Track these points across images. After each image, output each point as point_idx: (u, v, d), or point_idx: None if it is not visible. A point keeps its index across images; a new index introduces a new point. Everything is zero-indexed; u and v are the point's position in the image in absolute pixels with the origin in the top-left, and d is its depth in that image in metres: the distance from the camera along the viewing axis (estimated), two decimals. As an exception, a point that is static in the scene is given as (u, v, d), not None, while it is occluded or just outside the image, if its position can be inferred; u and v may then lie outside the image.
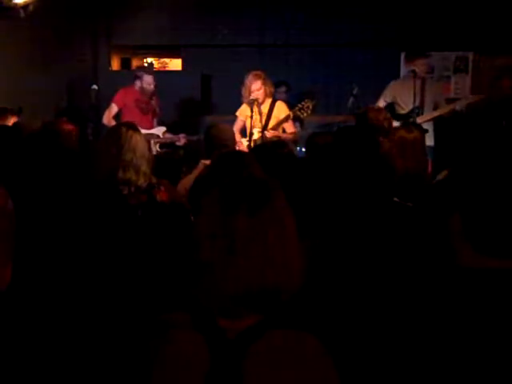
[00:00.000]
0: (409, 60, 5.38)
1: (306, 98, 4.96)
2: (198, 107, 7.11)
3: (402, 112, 5.23)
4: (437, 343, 1.19)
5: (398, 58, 6.81)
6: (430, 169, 2.91)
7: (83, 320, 1.96)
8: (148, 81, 5.47)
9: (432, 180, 2.87)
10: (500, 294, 1.18)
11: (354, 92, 5.47)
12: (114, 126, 3.11)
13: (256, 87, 4.87)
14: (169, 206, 2.60)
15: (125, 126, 2.75)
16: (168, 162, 5.31)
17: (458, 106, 5.07)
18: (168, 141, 5.57)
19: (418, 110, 5.04)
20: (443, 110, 5.12)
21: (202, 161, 3.34)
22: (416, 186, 2.61)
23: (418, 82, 5.07)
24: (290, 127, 5.04)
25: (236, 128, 5.01)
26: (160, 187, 2.65)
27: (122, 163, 2.57)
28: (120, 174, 2.56)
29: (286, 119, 4.92)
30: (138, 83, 5.51)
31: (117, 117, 5.48)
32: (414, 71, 5.09)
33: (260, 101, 4.90)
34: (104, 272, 2.25)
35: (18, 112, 4.69)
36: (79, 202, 2.47)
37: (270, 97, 4.98)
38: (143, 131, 4.49)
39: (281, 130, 4.98)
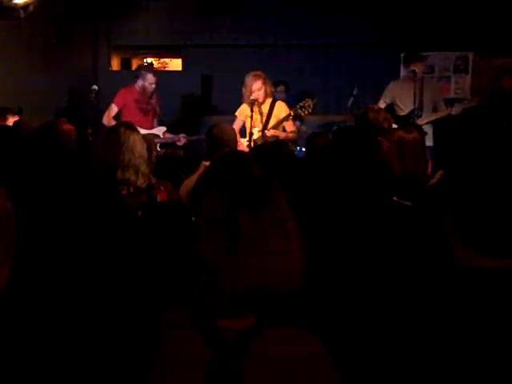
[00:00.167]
0: (406, 63, 5.38)
1: (306, 97, 4.99)
2: (198, 107, 7.11)
3: (402, 113, 5.24)
4: (436, 342, 1.19)
5: (398, 58, 6.81)
6: (429, 169, 2.90)
7: (82, 320, 1.96)
8: (150, 79, 5.44)
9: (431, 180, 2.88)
10: (496, 292, 1.18)
11: (354, 92, 5.48)
12: (112, 126, 3.11)
13: (257, 87, 4.89)
14: (169, 207, 2.60)
15: (123, 125, 2.74)
16: (168, 162, 5.31)
17: (453, 111, 5.08)
18: (168, 141, 5.56)
19: (418, 112, 5.05)
20: (440, 114, 5.13)
21: (203, 162, 3.34)
22: (415, 185, 2.62)
23: (418, 83, 5.07)
24: (290, 126, 5.06)
25: (235, 128, 5.02)
26: (160, 187, 2.65)
27: (120, 163, 2.57)
28: (119, 174, 2.56)
29: (286, 118, 4.95)
30: (139, 82, 5.46)
31: (117, 117, 5.46)
32: (414, 71, 5.09)
33: (260, 101, 4.93)
34: (103, 272, 2.25)
35: (18, 112, 4.69)
36: (78, 203, 2.47)
37: (270, 97, 5.01)
38: (143, 131, 4.51)
39: (281, 129, 5.00)
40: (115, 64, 7.75)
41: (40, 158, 2.70)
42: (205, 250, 1.16)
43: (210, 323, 1.17)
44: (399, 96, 5.31)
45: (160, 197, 2.62)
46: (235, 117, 5.17)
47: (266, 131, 4.90)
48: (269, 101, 4.99)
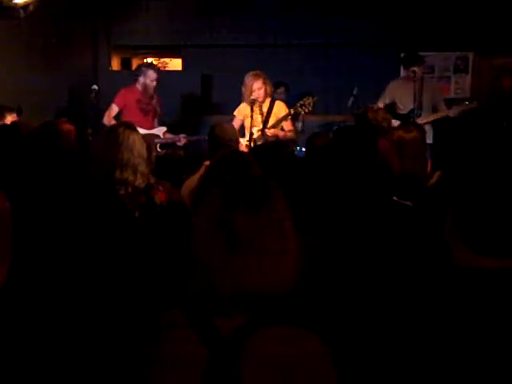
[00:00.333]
0: (406, 68, 5.37)
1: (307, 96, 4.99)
2: (198, 107, 7.11)
3: (401, 113, 5.23)
4: (435, 342, 1.19)
5: (398, 58, 6.80)
6: (429, 168, 2.90)
7: (81, 321, 1.96)
8: (151, 76, 5.40)
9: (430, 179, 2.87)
10: (496, 292, 1.18)
11: (354, 92, 5.48)
12: (111, 126, 3.11)
13: (257, 86, 4.91)
14: (167, 207, 2.59)
15: (122, 125, 2.74)
16: (168, 162, 5.31)
17: (451, 113, 5.07)
18: (168, 141, 5.55)
19: (417, 111, 5.04)
20: (439, 115, 5.12)
21: (205, 163, 3.33)
22: (415, 185, 2.62)
23: (418, 83, 5.07)
24: (288, 125, 5.08)
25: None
26: (159, 188, 2.64)
27: (119, 163, 2.56)
28: (117, 174, 2.55)
29: (285, 117, 4.96)
30: (141, 79, 5.41)
31: (117, 117, 5.45)
32: (413, 71, 5.08)
33: (261, 100, 4.95)
34: (101, 272, 2.25)
35: (17, 112, 4.69)
36: (75, 203, 2.47)
37: (269, 96, 5.04)
38: (143, 131, 4.50)
39: (280, 129, 5.01)
40: (115, 64, 7.76)
41: (39, 158, 2.69)
42: (203, 249, 1.17)
43: (206, 322, 1.17)
44: (399, 96, 5.30)
45: (158, 197, 2.61)
46: (234, 116, 5.18)
47: (266, 130, 4.91)
48: (268, 100, 5.02)
